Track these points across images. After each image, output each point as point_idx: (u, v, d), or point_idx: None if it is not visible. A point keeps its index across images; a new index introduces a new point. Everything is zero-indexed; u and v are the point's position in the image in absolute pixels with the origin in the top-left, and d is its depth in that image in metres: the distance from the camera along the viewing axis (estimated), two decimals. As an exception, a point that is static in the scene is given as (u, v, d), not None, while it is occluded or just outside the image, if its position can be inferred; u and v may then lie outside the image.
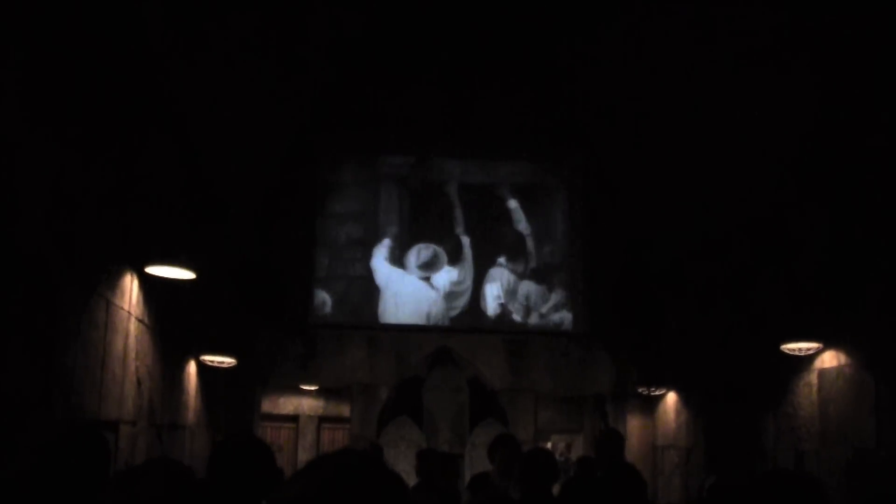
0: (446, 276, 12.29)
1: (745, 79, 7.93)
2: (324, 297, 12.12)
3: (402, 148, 12.53)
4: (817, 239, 7.53)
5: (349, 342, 12.23)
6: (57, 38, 5.31)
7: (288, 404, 15.39)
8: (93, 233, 6.11)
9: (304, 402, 15.48)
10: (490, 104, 11.79)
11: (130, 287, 7.09)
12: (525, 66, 11.62)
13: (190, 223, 8.79)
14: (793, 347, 7.68)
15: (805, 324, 7.61)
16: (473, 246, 12.38)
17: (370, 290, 12.20)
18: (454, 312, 12.27)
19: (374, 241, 12.29)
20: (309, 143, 11.97)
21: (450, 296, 12.25)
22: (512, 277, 12.40)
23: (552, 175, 12.73)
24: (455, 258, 12.32)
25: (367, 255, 12.26)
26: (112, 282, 6.64)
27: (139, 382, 7.42)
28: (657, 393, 11.82)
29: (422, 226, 12.42)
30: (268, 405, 14.44)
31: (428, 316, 12.19)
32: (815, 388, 7.70)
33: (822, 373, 7.56)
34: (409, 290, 12.20)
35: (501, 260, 12.36)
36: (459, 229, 12.39)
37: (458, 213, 12.41)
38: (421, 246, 12.24)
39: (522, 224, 12.51)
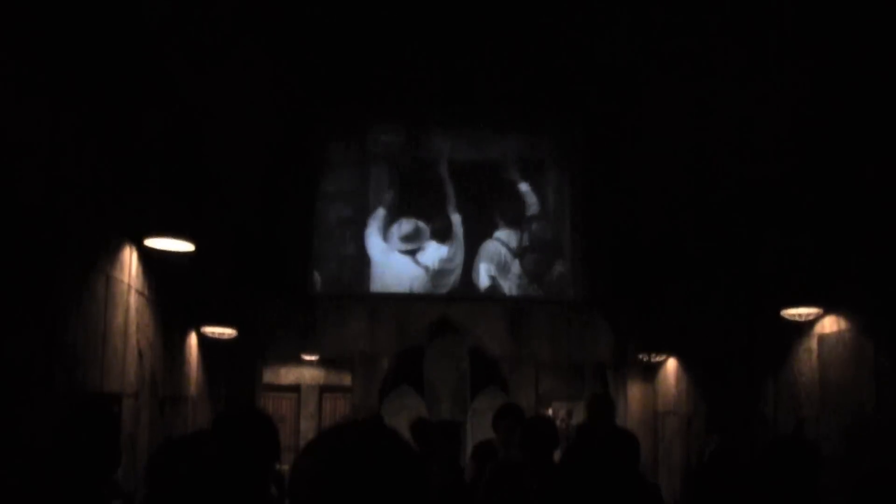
0: (436, 253, 12.28)
1: (746, 44, 7.86)
2: (315, 277, 12.14)
3: (391, 123, 12.48)
4: (818, 205, 7.51)
5: (350, 312, 12.24)
6: (53, 10, 5.26)
7: (289, 374, 15.46)
8: (91, 206, 6.09)
9: (305, 373, 15.55)
10: (483, 76, 11.67)
11: (130, 260, 7.08)
12: (518, 36, 11.48)
13: (188, 195, 8.76)
14: (793, 313, 7.68)
15: (805, 289, 7.61)
16: (465, 223, 12.34)
17: (360, 269, 12.20)
18: (444, 290, 12.28)
19: (364, 220, 12.26)
20: (307, 115, 11.91)
21: (439, 273, 12.24)
22: (506, 251, 12.39)
23: (549, 146, 12.67)
24: (445, 236, 12.29)
25: (358, 235, 12.23)
26: (111, 255, 6.63)
27: (140, 355, 7.43)
28: (657, 360, 11.85)
29: (412, 204, 12.38)
30: (269, 376, 14.50)
31: (411, 291, 12.20)
32: (815, 354, 7.71)
33: (823, 338, 7.57)
34: (395, 266, 12.20)
35: (499, 234, 12.34)
36: (451, 206, 12.35)
37: (450, 190, 12.37)
38: (403, 220, 12.21)
39: (527, 199, 12.48)
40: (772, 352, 8.50)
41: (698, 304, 10.47)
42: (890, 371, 6.38)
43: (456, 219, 12.33)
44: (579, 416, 14.50)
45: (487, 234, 12.35)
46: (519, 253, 12.39)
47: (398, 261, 12.16)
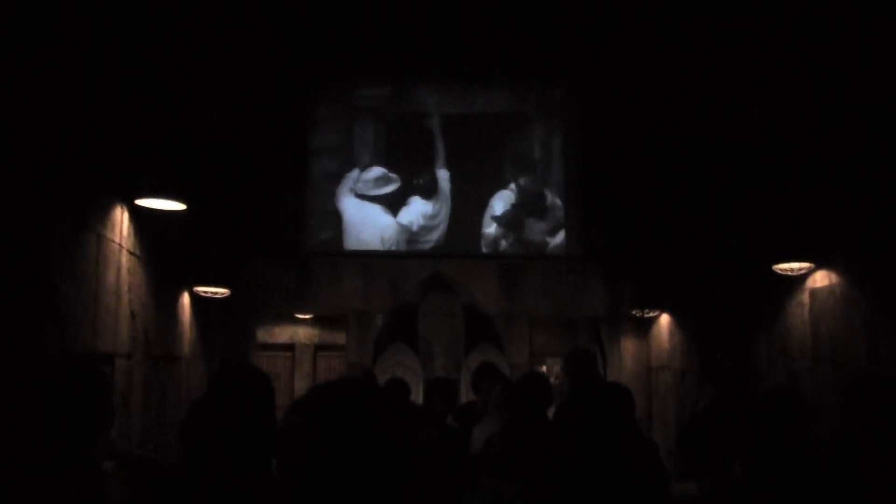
0: (420, 208, 12.27)
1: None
2: (307, 235, 12.20)
3: (379, 79, 12.41)
4: (810, 160, 7.49)
5: (343, 270, 12.24)
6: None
7: (283, 333, 15.48)
8: (82, 166, 6.04)
9: (299, 331, 15.57)
10: (473, 30, 11.57)
11: (121, 220, 7.05)
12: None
13: (179, 154, 8.71)
14: (785, 268, 7.69)
15: (797, 244, 7.61)
16: (453, 179, 12.32)
17: (343, 225, 12.28)
18: (427, 246, 12.30)
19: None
20: (297, 72, 11.82)
21: (423, 230, 12.24)
22: (499, 206, 12.39)
23: (539, 100, 12.61)
24: (430, 192, 12.27)
25: (344, 191, 12.30)
26: (102, 215, 6.60)
27: (133, 315, 7.43)
28: (650, 315, 11.89)
29: (397, 159, 12.35)
30: (263, 335, 14.53)
31: (382, 242, 12.24)
32: (806, 308, 7.74)
33: (814, 292, 7.59)
34: (369, 218, 12.29)
35: (490, 190, 12.35)
36: (439, 162, 12.32)
37: (439, 146, 12.33)
38: (373, 168, 12.25)
39: (518, 155, 12.47)
40: (764, 306, 8.52)
41: (691, 259, 10.49)
42: (880, 323, 6.41)
43: (443, 174, 12.30)
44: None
45: (477, 190, 12.33)
46: (511, 208, 12.38)
47: (371, 214, 12.21)
